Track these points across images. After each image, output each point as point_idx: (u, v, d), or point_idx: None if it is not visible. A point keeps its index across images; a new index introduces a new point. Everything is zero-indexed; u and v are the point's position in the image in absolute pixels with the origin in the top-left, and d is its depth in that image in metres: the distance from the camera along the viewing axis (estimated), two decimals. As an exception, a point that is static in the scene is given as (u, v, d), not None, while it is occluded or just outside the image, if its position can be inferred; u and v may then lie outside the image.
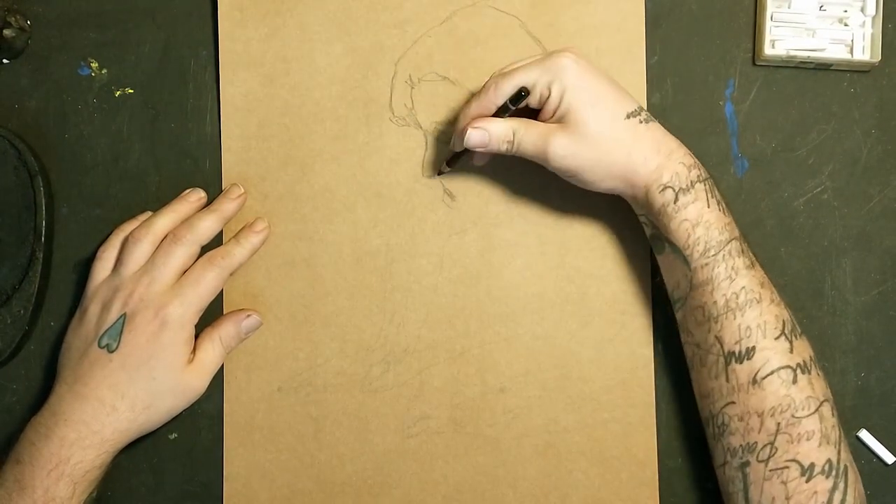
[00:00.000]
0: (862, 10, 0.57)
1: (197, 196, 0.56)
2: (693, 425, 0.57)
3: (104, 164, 0.58)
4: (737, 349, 0.48)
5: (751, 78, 0.58)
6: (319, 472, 0.57)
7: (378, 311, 0.57)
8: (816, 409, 0.47)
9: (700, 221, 0.49)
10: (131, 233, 0.54)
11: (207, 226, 0.54)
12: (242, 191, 0.57)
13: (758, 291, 0.49)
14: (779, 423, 0.47)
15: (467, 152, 0.54)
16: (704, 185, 0.50)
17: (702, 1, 0.58)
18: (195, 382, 0.53)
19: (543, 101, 0.51)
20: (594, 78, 0.50)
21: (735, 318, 0.48)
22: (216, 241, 0.56)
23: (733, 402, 0.49)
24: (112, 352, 0.51)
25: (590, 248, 0.57)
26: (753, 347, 0.48)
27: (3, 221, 0.56)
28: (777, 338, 0.48)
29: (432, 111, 0.57)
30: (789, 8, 0.57)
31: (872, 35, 0.57)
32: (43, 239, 0.56)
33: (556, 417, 0.56)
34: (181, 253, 0.53)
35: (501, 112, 0.51)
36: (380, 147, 0.57)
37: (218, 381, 0.56)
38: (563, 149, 0.50)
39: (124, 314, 0.52)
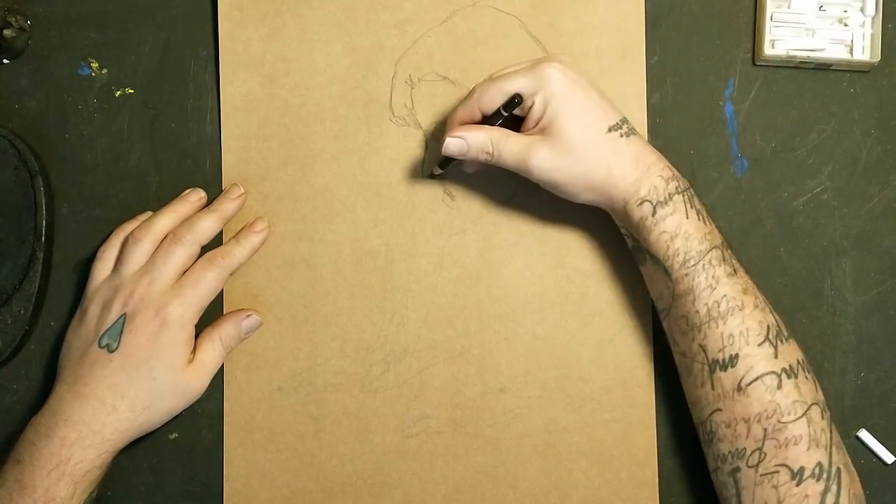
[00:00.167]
0: (862, 10, 0.57)
1: (197, 196, 0.56)
2: (692, 425, 0.57)
3: (104, 164, 0.58)
4: (720, 357, 0.49)
5: (751, 78, 0.58)
6: (319, 471, 0.57)
7: (378, 310, 0.57)
8: (804, 413, 0.47)
9: (679, 233, 0.49)
10: (131, 233, 0.54)
11: (207, 226, 0.54)
12: (242, 191, 0.57)
13: (740, 299, 0.49)
14: (765, 429, 0.47)
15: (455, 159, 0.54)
16: (683, 196, 0.50)
17: (702, 1, 0.58)
18: (195, 382, 0.53)
19: (527, 111, 0.51)
20: (579, 89, 0.50)
21: (717, 327, 0.49)
22: (216, 241, 0.56)
23: (720, 410, 0.49)
24: (112, 352, 0.51)
25: (590, 248, 0.57)
26: (737, 355, 0.48)
27: (4, 221, 0.56)
28: (760, 344, 0.48)
29: (432, 111, 0.57)
30: (789, 8, 0.57)
31: (872, 35, 0.57)
32: (43, 239, 0.56)
33: (556, 417, 0.56)
34: (181, 253, 0.53)
35: (493, 119, 0.52)
36: (380, 147, 0.57)
37: (218, 380, 0.56)
38: (544, 161, 0.50)
39: (124, 314, 0.52)
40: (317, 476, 0.57)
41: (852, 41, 0.57)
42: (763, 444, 0.47)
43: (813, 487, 0.46)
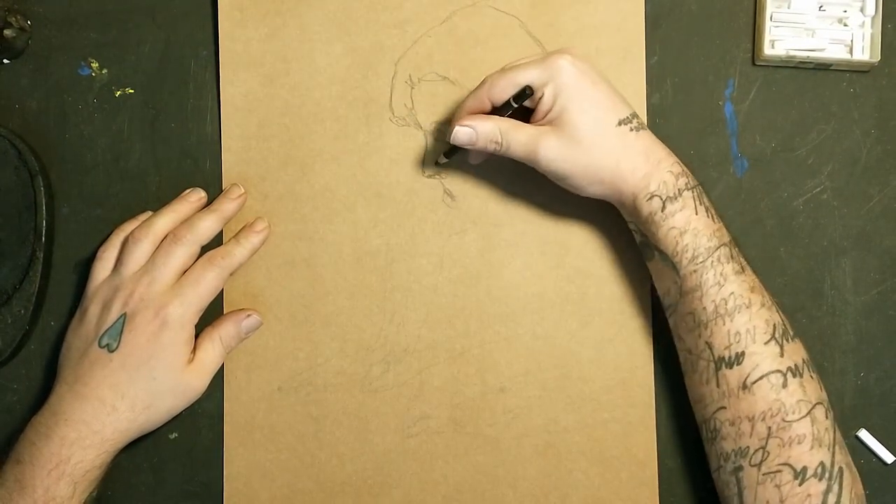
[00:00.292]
0: (861, 10, 0.57)
1: (197, 196, 0.56)
2: (692, 425, 0.57)
3: (104, 164, 0.58)
4: (726, 354, 0.48)
5: (750, 78, 0.58)
6: (319, 471, 0.57)
7: (378, 310, 0.57)
8: (808, 413, 0.47)
9: (688, 229, 0.49)
10: (131, 233, 0.54)
11: (207, 226, 0.54)
12: (242, 191, 0.57)
13: (747, 297, 0.49)
14: (769, 428, 0.47)
15: (462, 148, 0.54)
16: (693, 192, 0.50)
17: (701, 1, 0.58)
18: (195, 382, 0.53)
19: (537, 102, 0.51)
20: (590, 82, 0.50)
21: (724, 324, 0.49)
22: (216, 241, 0.56)
23: (724, 407, 0.49)
24: (112, 352, 0.51)
25: (590, 248, 0.57)
26: (743, 352, 0.48)
27: (4, 221, 0.56)
28: (767, 342, 0.48)
29: (432, 111, 0.57)
30: (789, 8, 0.57)
31: (872, 35, 0.57)
32: (43, 239, 0.56)
33: (556, 417, 0.56)
34: (181, 253, 0.53)
35: (503, 110, 0.51)
36: (380, 147, 0.57)
37: (218, 380, 0.56)
38: (553, 152, 0.50)
39: (124, 314, 0.52)
40: (317, 476, 0.57)
41: (852, 41, 0.57)
42: (767, 442, 0.47)
43: (815, 487, 0.46)
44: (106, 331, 0.52)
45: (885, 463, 0.57)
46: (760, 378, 0.48)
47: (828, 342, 0.57)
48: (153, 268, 0.53)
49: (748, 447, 0.48)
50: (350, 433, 0.57)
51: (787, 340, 0.49)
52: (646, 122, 0.57)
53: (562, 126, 0.50)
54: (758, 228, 0.58)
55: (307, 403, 0.57)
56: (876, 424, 0.57)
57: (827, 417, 0.48)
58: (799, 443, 0.47)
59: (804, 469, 0.47)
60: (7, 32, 0.57)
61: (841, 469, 0.47)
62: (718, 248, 0.49)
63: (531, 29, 0.57)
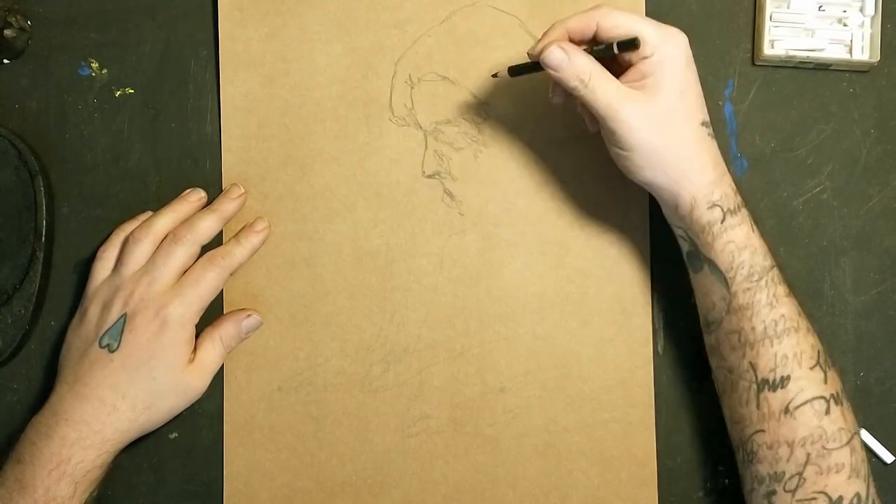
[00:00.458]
0: (861, 10, 0.57)
1: (197, 196, 0.56)
2: (692, 425, 0.57)
3: (104, 164, 0.58)
4: (771, 377, 0.48)
5: (750, 78, 0.58)
6: (319, 471, 0.57)
7: (378, 310, 0.57)
8: (848, 442, 0.47)
9: (747, 245, 0.48)
10: (132, 233, 0.54)
11: (208, 226, 0.54)
12: (242, 191, 0.57)
13: (796, 320, 0.48)
14: (809, 454, 0.47)
15: (536, 69, 0.49)
16: (748, 210, 0.50)
17: (701, 1, 0.58)
18: (196, 382, 0.53)
19: (639, 60, 0.47)
20: (693, 72, 0.48)
21: (772, 346, 0.48)
22: (216, 241, 0.56)
23: (763, 430, 0.48)
24: (113, 352, 0.51)
25: (590, 248, 0.57)
26: (788, 376, 0.47)
27: (4, 221, 0.56)
28: (812, 367, 0.48)
29: (432, 111, 0.57)
30: (788, 8, 0.57)
31: (871, 35, 0.57)
32: (43, 239, 0.56)
33: (556, 417, 0.56)
34: (181, 253, 0.53)
35: (598, 51, 0.48)
36: (380, 147, 0.57)
37: (218, 380, 0.56)
38: (635, 118, 0.47)
39: (125, 314, 0.52)
40: (317, 476, 0.57)
41: (851, 41, 0.57)
42: (804, 469, 0.47)
43: None
44: (106, 331, 0.52)
45: (884, 463, 0.57)
46: (804, 403, 0.47)
47: (828, 342, 0.57)
48: (153, 268, 0.53)
49: (784, 472, 0.47)
50: (350, 433, 0.57)
51: (829, 367, 0.48)
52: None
53: (655, 97, 0.47)
54: (757, 228, 0.58)
55: (307, 403, 0.57)
56: (876, 424, 0.57)
57: (863, 449, 0.48)
58: (837, 472, 0.46)
59: (840, 499, 0.46)
60: (7, 32, 0.57)
61: (874, 502, 0.47)
62: (773, 267, 0.49)
63: (531, 29, 0.57)
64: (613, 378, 0.57)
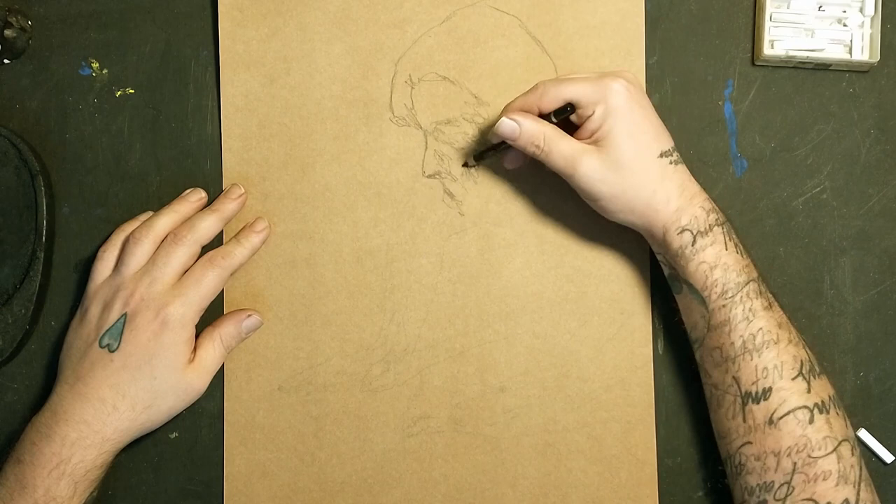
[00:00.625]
0: (861, 10, 0.57)
1: (197, 196, 0.56)
2: (692, 424, 0.57)
3: (105, 164, 0.58)
4: (753, 390, 0.49)
5: (750, 78, 0.58)
6: (320, 471, 0.57)
7: (378, 310, 0.57)
8: (834, 449, 0.47)
9: (718, 264, 0.50)
10: (132, 233, 0.54)
11: (208, 226, 0.54)
12: (243, 191, 0.57)
13: (775, 332, 0.49)
14: (795, 463, 0.47)
15: (499, 149, 0.54)
16: (722, 228, 0.51)
17: (701, 1, 0.58)
18: (196, 382, 0.53)
19: (584, 119, 0.51)
20: (639, 109, 0.50)
21: (752, 359, 0.49)
22: (217, 241, 0.56)
23: (750, 442, 0.49)
24: (113, 352, 0.51)
25: (589, 247, 0.57)
26: (770, 388, 0.48)
27: (5, 221, 0.56)
28: (794, 378, 0.48)
29: (432, 111, 0.58)
30: (788, 8, 0.57)
31: (871, 35, 0.57)
32: (44, 238, 0.56)
33: (556, 416, 0.57)
34: (182, 253, 0.53)
35: (546, 120, 0.52)
36: (380, 147, 0.58)
37: (218, 380, 0.56)
38: (592, 171, 0.50)
39: (125, 314, 0.52)
40: (317, 475, 0.57)
41: (851, 41, 0.57)
42: (792, 478, 0.47)
43: None
44: (107, 331, 0.52)
45: (884, 463, 0.57)
46: (787, 414, 0.48)
47: (827, 342, 0.57)
48: (154, 268, 0.53)
49: (773, 482, 0.48)
50: (350, 433, 0.57)
51: (814, 377, 0.49)
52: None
53: (606, 148, 0.50)
54: (757, 228, 0.58)
55: (307, 403, 0.57)
56: (875, 424, 0.57)
57: (853, 454, 0.48)
58: (825, 479, 0.47)
59: None
60: (8, 32, 0.57)
61: None
62: (748, 283, 0.50)
63: (531, 29, 0.57)
64: (613, 377, 0.57)
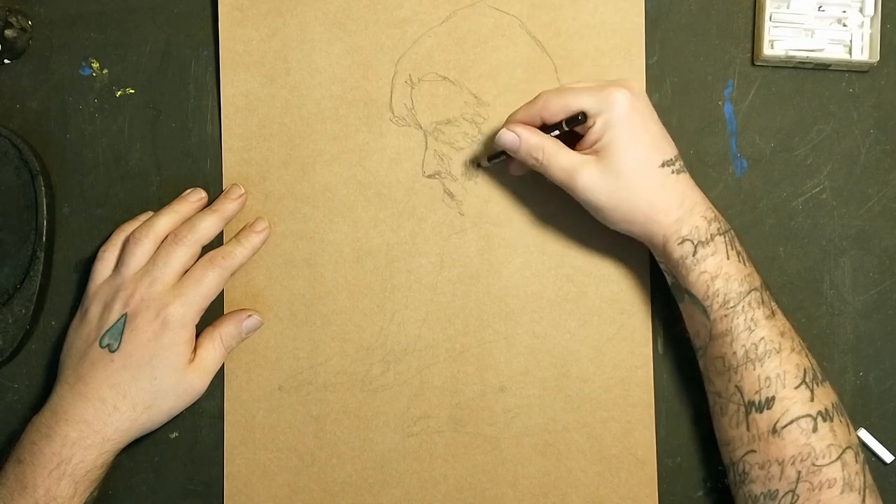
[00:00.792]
0: (860, 10, 0.57)
1: (198, 196, 0.56)
2: (692, 424, 0.57)
3: (105, 164, 0.58)
4: (756, 399, 0.49)
5: (749, 78, 0.58)
6: (320, 471, 0.57)
7: (378, 310, 0.57)
8: (838, 457, 0.47)
9: (719, 274, 0.50)
10: (132, 233, 0.54)
11: (208, 226, 0.54)
12: (243, 191, 0.57)
13: (777, 341, 0.49)
14: (799, 472, 0.47)
15: (506, 155, 0.54)
16: (724, 237, 0.51)
17: (701, 1, 0.58)
18: (196, 382, 0.53)
19: (586, 129, 0.51)
20: (641, 119, 0.50)
21: (755, 369, 0.49)
22: (217, 241, 0.56)
23: (754, 451, 0.49)
24: (113, 352, 0.51)
25: (589, 247, 0.57)
26: (773, 397, 0.48)
27: (5, 221, 0.56)
28: (797, 387, 0.48)
29: (432, 111, 0.58)
30: (788, 8, 0.57)
31: (871, 35, 0.57)
32: (44, 238, 0.56)
33: (556, 416, 0.57)
34: (182, 253, 0.53)
35: (552, 130, 0.52)
36: (380, 147, 0.58)
37: (219, 379, 0.56)
38: (591, 182, 0.50)
39: (125, 314, 0.52)
40: (317, 475, 0.57)
41: (851, 41, 0.57)
42: (796, 486, 0.47)
43: None
44: (107, 331, 0.52)
45: (884, 462, 0.57)
46: (790, 423, 0.48)
47: (827, 342, 0.57)
48: (154, 268, 0.53)
49: (777, 490, 0.48)
50: (350, 433, 0.57)
51: (817, 385, 0.49)
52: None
53: (606, 158, 0.50)
54: (757, 228, 0.58)
55: (307, 403, 0.57)
56: (875, 424, 0.57)
57: (857, 461, 0.48)
58: (829, 487, 0.47)
59: None
60: (8, 33, 0.57)
61: None
62: (749, 293, 0.50)
63: (531, 29, 0.57)
64: (613, 377, 0.57)
